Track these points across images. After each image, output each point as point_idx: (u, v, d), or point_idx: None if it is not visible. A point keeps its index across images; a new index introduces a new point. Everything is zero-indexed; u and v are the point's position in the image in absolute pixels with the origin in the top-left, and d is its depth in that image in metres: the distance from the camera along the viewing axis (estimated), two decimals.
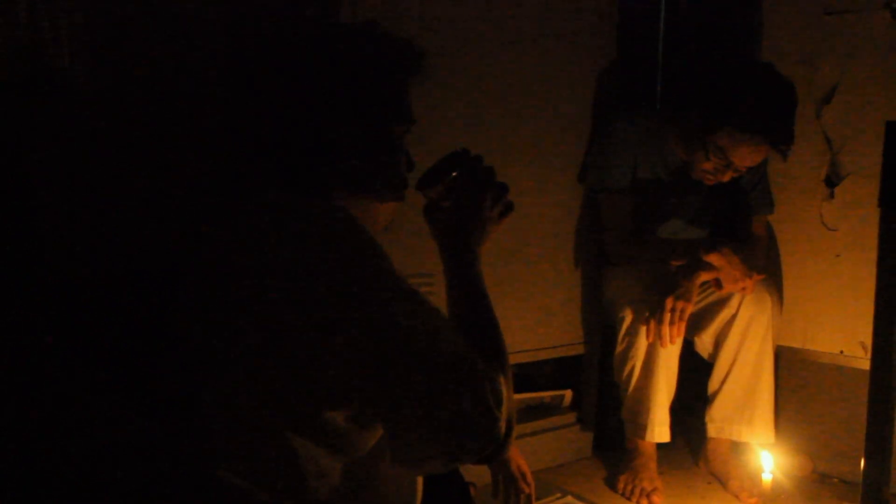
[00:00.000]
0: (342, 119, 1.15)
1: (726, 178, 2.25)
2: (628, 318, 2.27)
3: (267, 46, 1.15)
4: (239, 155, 1.19)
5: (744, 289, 2.23)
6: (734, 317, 2.27)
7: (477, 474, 1.85)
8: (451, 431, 1.04)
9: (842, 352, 2.32)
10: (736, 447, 2.37)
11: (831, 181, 2.33)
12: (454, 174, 1.28)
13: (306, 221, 1.09)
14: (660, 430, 2.26)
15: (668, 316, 2.15)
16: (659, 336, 2.16)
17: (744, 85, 2.17)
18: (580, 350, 2.53)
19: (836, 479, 2.39)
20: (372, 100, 1.16)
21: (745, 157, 2.17)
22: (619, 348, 2.30)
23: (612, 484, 2.33)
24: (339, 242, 1.07)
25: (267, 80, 1.14)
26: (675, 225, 2.43)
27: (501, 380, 1.10)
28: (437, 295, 1.24)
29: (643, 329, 2.21)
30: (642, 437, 2.28)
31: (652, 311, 2.18)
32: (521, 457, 1.75)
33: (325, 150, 1.14)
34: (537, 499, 1.91)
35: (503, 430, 1.07)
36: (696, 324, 2.32)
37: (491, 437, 1.06)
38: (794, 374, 2.46)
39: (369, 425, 1.11)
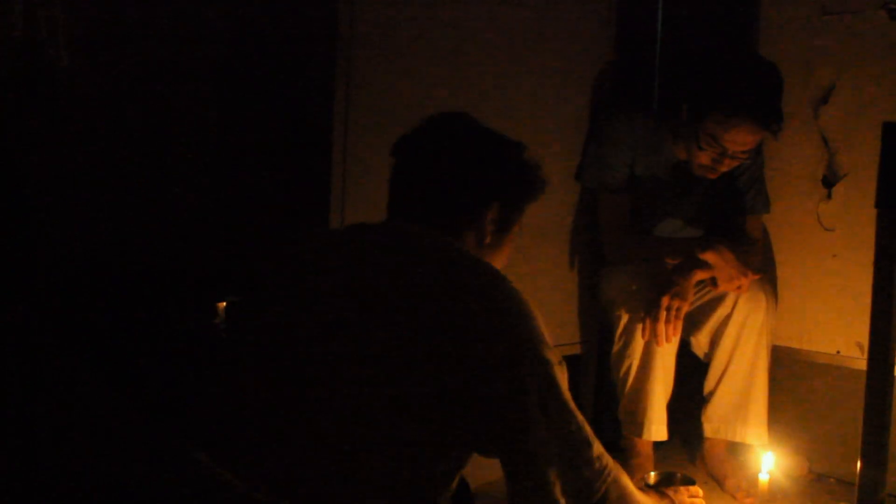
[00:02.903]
0: (494, 196, 1.44)
1: (725, 167, 2.24)
2: (625, 317, 2.26)
3: (455, 127, 1.48)
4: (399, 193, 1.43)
5: (739, 287, 2.23)
6: (729, 316, 2.28)
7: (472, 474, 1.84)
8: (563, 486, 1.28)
9: (838, 352, 2.32)
10: (733, 447, 2.38)
11: (828, 181, 2.34)
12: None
13: (468, 268, 1.30)
14: (657, 428, 2.26)
15: (663, 314, 2.15)
16: (655, 334, 2.16)
17: (726, 70, 2.19)
18: (577, 350, 2.53)
19: (832, 479, 2.40)
20: (515, 199, 1.48)
21: (736, 141, 2.16)
22: (616, 347, 2.30)
23: None
24: (508, 300, 1.29)
25: (454, 152, 1.44)
26: (672, 224, 2.43)
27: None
28: None
29: (640, 328, 2.21)
30: (639, 435, 2.28)
31: (648, 310, 2.18)
32: None
33: (477, 214, 1.43)
34: None
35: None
36: (692, 323, 2.33)
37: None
38: (791, 375, 2.46)
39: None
